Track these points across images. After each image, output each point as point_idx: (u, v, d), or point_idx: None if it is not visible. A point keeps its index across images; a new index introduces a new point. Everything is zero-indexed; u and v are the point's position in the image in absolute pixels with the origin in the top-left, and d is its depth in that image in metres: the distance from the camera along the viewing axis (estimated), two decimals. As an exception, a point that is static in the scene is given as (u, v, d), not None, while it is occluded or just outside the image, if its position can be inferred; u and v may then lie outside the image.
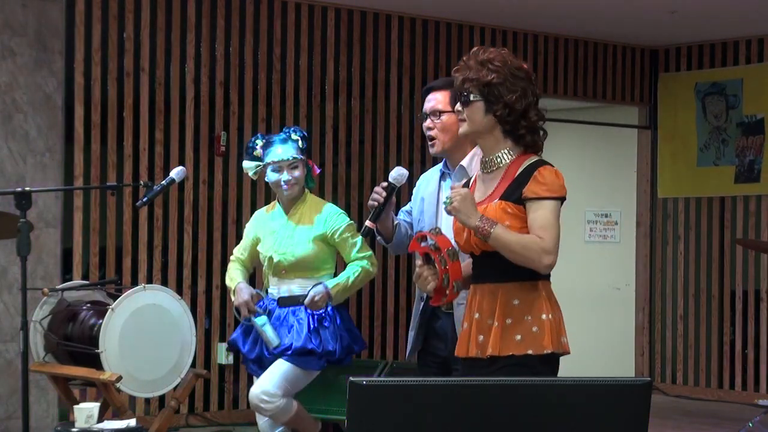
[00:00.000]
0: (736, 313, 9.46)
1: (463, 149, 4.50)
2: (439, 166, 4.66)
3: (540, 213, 3.68)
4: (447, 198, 3.75)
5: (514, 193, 3.72)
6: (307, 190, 5.31)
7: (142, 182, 6.09)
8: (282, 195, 5.26)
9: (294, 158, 5.17)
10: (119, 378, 5.62)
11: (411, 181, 4.75)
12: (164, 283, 7.65)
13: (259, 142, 5.25)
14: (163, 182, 5.38)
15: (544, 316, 3.69)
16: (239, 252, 5.48)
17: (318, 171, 5.47)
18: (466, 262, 3.90)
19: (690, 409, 9.17)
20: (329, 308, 5.27)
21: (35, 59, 7.31)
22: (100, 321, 5.77)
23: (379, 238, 4.66)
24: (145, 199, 5.31)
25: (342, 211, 5.32)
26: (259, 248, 5.35)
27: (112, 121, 7.62)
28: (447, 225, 4.49)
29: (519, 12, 8.74)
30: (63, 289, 6.15)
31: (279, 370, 5.18)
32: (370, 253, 5.32)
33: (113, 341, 5.70)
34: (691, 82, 9.83)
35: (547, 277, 3.77)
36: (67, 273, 7.43)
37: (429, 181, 4.63)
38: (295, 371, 5.20)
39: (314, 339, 5.17)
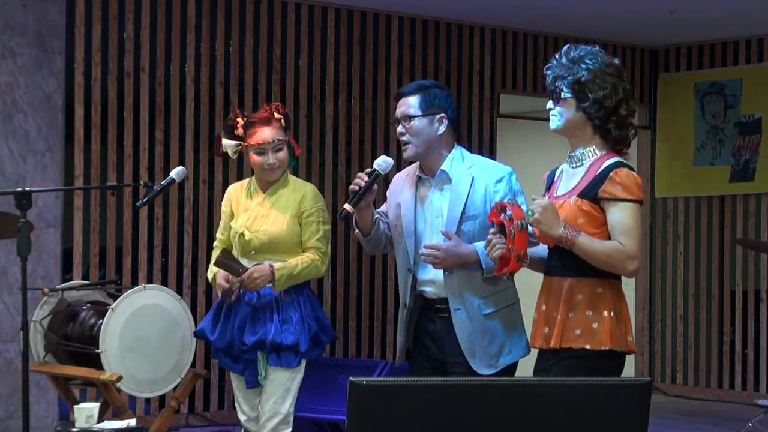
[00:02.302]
0: (736, 313, 9.47)
1: (438, 153, 4.50)
2: (412, 169, 4.63)
3: (618, 217, 3.75)
4: (529, 210, 3.77)
5: (591, 192, 3.79)
6: (288, 173, 5.10)
7: (142, 182, 6.08)
8: (264, 176, 5.07)
9: (279, 140, 4.98)
10: (119, 378, 5.62)
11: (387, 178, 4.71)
12: (164, 283, 7.65)
13: (240, 120, 5.03)
14: (163, 182, 5.37)
15: (605, 313, 3.77)
16: (219, 233, 5.27)
17: (299, 151, 5.21)
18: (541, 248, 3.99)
19: (690, 409, 9.17)
20: (298, 295, 5.00)
21: (35, 59, 7.31)
22: (100, 321, 5.77)
23: (357, 231, 4.64)
24: (145, 200, 5.30)
25: (320, 195, 5.08)
26: (231, 223, 5.13)
27: (112, 121, 7.63)
28: (429, 231, 4.49)
29: (519, 12, 8.74)
30: (63, 289, 6.15)
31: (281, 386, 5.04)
32: (326, 249, 5.01)
33: (113, 341, 5.70)
34: (690, 82, 9.83)
35: (616, 275, 3.83)
36: (67, 273, 7.43)
37: (404, 186, 4.61)
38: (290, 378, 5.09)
39: (285, 331, 4.97)
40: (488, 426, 2.31)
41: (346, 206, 4.42)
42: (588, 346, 3.75)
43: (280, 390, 4.98)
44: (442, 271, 4.42)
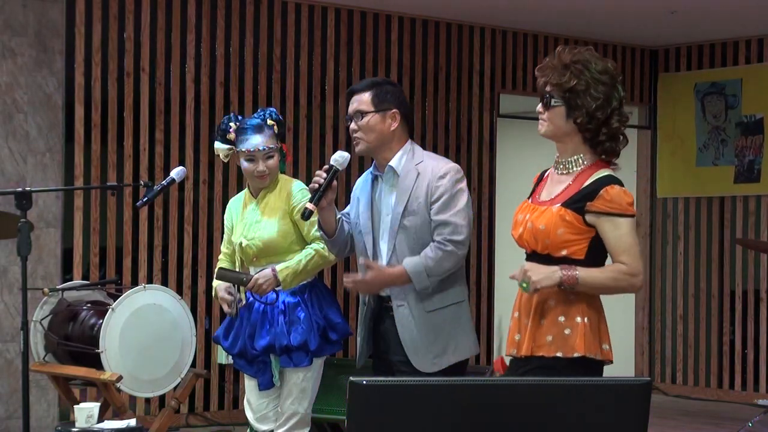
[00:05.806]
0: (736, 313, 9.46)
1: (389, 148, 4.52)
2: (372, 168, 4.65)
3: (616, 234, 3.64)
4: (522, 283, 3.64)
5: (577, 203, 3.67)
6: (278, 175, 5.09)
7: (142, 182, 6.08)
8: (254, 183, 5.07)
9: (269, 148, 4.98)
10: (119, 378, 5.63)
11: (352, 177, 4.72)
12: (164, 283, 7.65)
13: (233, 125, 5.02)
14: (163, 182, 5.37)
15: (578, 319, 3.65)
16: (224, 246, 5.29)
17: (290, 158, 5.20)
18: None
19: (690, 409, 9.17)
20: (305, 294, 5.02)
21: (35, 59, 7.32)
22: (101, 321, 5.77)
23: (321, 233, 4.64)
24: (145, 200, 5.30)
25: (307, 188, 5.00)
26: (232, 237, 5.16)
27: (112, 121, 7.63)
28: (384, 228, 4.49)
29: (519, 12, 8.74)
30: (63, 289, 6.15)
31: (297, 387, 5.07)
32: None
33: (113, 341, 5.70)
34: (690, 82, 9.83)
35: None
36: (67, 273, 7.43)
37: (365, 184, 4.63)
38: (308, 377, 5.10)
39: (292, 332, 4.97)
40: (488, 426, 2.31)
41: (308, 205, 4.40)
42: (560, 354, 3.64)
43: (296, 390, 5.01)
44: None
